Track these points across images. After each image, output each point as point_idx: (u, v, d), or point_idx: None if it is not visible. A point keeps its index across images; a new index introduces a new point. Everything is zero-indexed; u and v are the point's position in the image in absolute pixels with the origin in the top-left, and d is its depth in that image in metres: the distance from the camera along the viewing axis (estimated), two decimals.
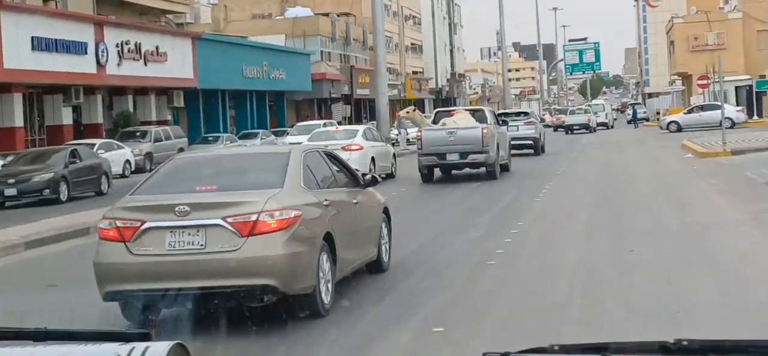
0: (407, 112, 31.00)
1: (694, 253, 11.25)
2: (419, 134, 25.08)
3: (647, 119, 74.94)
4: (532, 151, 34.53)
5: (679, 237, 12.52)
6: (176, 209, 8.00)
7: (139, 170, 35.81)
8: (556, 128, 65.93)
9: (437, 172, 25.04)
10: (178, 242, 7.99)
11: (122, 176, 34.12)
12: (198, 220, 7.95)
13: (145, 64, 39.91)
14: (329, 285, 8.61)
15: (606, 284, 9.71)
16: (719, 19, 77.05)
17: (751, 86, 61.88)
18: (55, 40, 33.72)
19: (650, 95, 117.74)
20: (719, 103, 49.61)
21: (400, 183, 25.00)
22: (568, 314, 8.36)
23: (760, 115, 60.36)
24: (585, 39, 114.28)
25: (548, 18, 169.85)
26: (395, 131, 41.91)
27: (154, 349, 2.08)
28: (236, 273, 7.88)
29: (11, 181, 23.55)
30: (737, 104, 56.37)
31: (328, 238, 8.68)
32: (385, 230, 10.71)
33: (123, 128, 39.00)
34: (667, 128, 51.23)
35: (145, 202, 8.37)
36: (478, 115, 26.38)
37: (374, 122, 38.98)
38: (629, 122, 72.21)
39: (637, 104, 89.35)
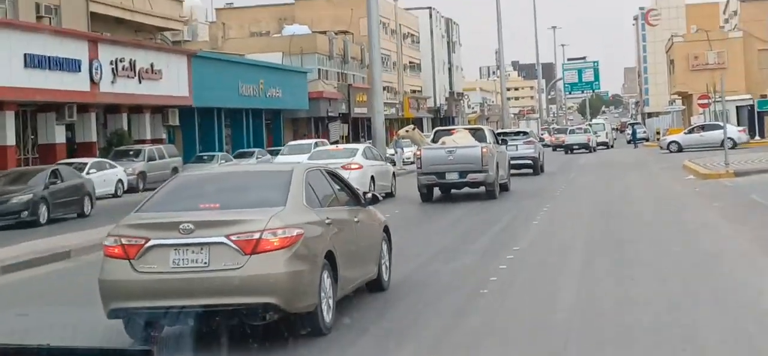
0: (406, 131, 30.82)
1: (702, 287, 10.60)
2: (419, 153, 24.96)
3: (647, 139, 74.56)
4: (531, 171, 34.54)
5: (685, 268, 11.89)
6: (180, 227, 8.04)
7: (132, 189, 35.31)
8: (555, 147, 65.47)
9: (437, 191, 24.92)
10: (182, 259, 8.04)
11: (114, 195, 33.63)
12: (202, 238, 8.00)
13: (140, 82, 39.42)
14: (331, 303, 8.67)
15: (605, 320, 9.09)
16: (720, 38, 76.77)
17: (752, 106, 61.38)
18: (49, 57, 33.23)
19: (650, 115, 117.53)
20: (720, 123, 49.26)
21: (399, 202, 24.91)
22: None
23: (762, 135, 59.87)
24: (584, 58, 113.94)
25: (547, 37, 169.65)
26: (391, 150, 41.41)
27: None
28: (239, 291, 7.93)
29: None
30: (738, 124, 55.85)
31: (330, 256, 8.73)
32: (385, 249, 10.80)
33: (116, 147, 38.50)
34: (668, 148, 50.75)
35: (150, 220, 8.41)
36: (477, 134, 26.32)
37: (371, 140, 38.60)
38: (629, 142, 71.77)
39: (637, 123, 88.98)
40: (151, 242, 8.09)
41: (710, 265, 12.10)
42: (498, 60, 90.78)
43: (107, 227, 18.47)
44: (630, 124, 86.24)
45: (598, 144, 64.64)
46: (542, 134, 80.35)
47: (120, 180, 34.39)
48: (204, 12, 70.90)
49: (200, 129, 48.48)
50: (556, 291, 10.71)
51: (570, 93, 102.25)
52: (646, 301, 9.79)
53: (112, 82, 37.36)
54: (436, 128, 31.12)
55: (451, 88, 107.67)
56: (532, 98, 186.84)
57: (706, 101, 58.23)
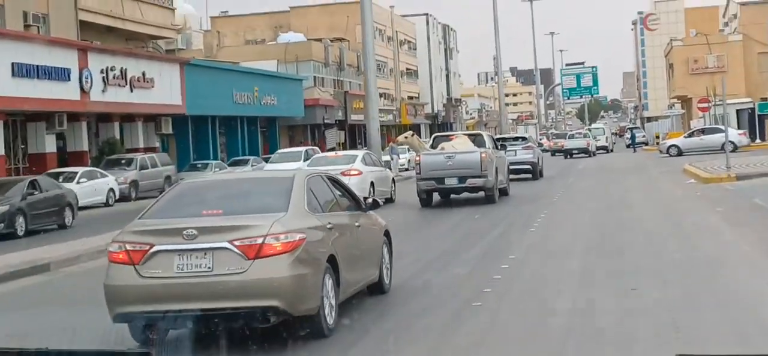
0: (405, 137, 31.05)
1: (705, 294, 10.07)
2: (418, 158, 24.98)
3: (646, 143, 74.20)
4: (530, 175, 34.64)
5: (687, 274, 11.33)
6: (184, 232, 8.19)
7: (124, 198, 34.79)
8: (553, 152, 65.05)
9: (436, 196, 24.96)
10: (186, 264, 8.17)
11: (106, 205, 33.11)
12: (205, 243, 8.15)
13: (132, 91, 38.88)
14: (333, 306, 8.80)
15: (604, 332, 8.54)
16: (719, 42, 76.32)
17: (752, 109, 60.87)
18: (37, 66, 32.72)
19: (649, 119, 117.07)
20: (721, 126, 48.75)
21: (399, 208, 24.91)
22: None
23: (762, 138, 59.40)
24: (582, 63, 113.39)
25: (545, 42, 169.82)
26: (386, 157, 40.89)
27: None
28: (243, 294, 8.06)
29: None
30: (739, 127, 55.31)
31: (332, 260, 8.86)
32: (386, 253, 10.93)
33: (108, 156, 37.96)
34: (667, 152, 50.22)
35: (154, 226, 8.54)
36: (477, 140, 26.46)
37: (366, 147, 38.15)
38: (628, 146, 71.36)
39: (636, 127, 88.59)
40: (155, 248, 8.23)
41: (713, 272, 11.53)
42: (496, 66, 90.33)
43: (89, 239, 18.22)
44: (629, 128, 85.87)
45: (598, 148, 64.72)
46: (540, 139, 79.92)
47: (111, 189, 33.83)
48: (198, 20, 70.34)
49: (194, 137, 47.98)
50: (554, 301, 10.19)
51: (569, 98, 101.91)
52: (647, 311, 9.24)
53: (103, 90, 36.83)
54: (435, 134, 31.17)
55: (448, 94, 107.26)
56: (530, 103, 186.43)
57: (706, 105, 57.73)
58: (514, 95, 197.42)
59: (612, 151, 68.65)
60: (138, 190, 36.49)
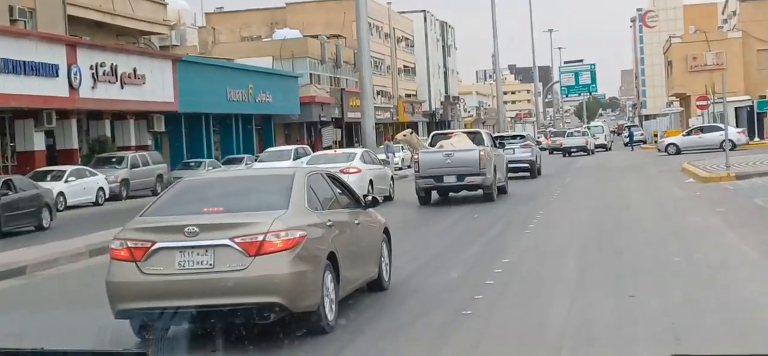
0: (404, 135, 30.96)
1: (707, 300, 9.51)
2: (416, 156, 24.99)
3: (644, 142, 73.78)
4: (528, 174, 34.53)
5: (687, 280, 10.76)
6: (185, 229, 8.24)
7: (114, 197, 34.25)
8: (551, 150, 64.69)
9: (435, 194, 24.99)
10: (188, 261, 8.23)
11: (95, 204, 32.57)
12: (207, 240, 8.20)
13: (122, 87, 38.29)
14: (333, 303, 8.85)
15: (600, 344, 7.99)
16: (718, 39, 75.79)
17: (751, 107, 60.31)
18: (24, 62, 32.13)
19: (647, 117, 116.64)
20: (719, 124, 48.23)
21: (397, 206, 24.85)
22: None
23: (761, 136, 58.87)
24: (581, 61, 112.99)
25: (544, 40, 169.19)
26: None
27: None
28: (244, 291, 8.12)
29: None
30: (737, 125, 54.77)
31: (332, 257, 8.92)
32: (385, 250, 11.01)
33: (98, 154, 37.39)
34: (666, 151, 49.77)
35: (155, 223, 8.59)
36: (475, 138, 26.46)
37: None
38: (625, 145, 70.94)
39: (634, 126, 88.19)
40: (157, 245, 8.28)
41: (714, 277, 10.98)
42: (494, 63, 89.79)
43: (68, 241, 17.60)
44: (627, 126, 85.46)
45: (597, 146, 64.82)
46: (539, 137, 79.46)
47: (101, 188, 33.27)
48: (192, 16, 69.72)
49: (187, 135, 47.40)
50: (549, 307, 9.67)
51: (567, 96, 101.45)
52: (647, 317, 8.71)
53: (93, 87, 36.24)
54: (434, 132, 31.10)
55: (446, 92, 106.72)
56: (528, 101, 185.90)
57: (704, 102, 57.25)
58: (513, 92, 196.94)
59: (610, 149, 68.38)
60: (129, 189, 35.95)
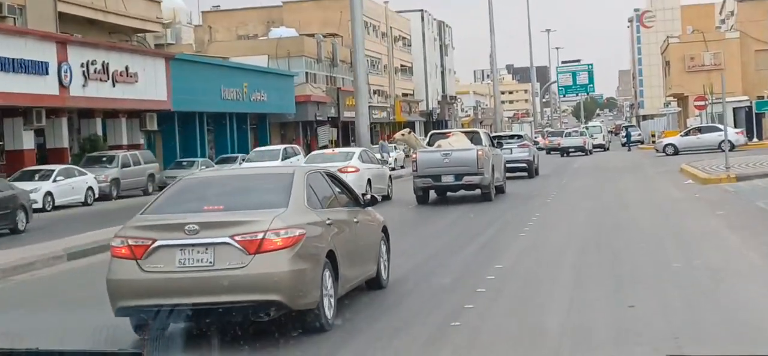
0: (402, 134, 30.87)
1: (710, 310, 9.04)
2: (414, 156, 24.99)
3: (641, 142, 73.39)
4: (525, 174, 34.43)
5: (689, 289, 10.26)
6: (186, 227, 8.28)
7: (104, 197, 33.74)
8: (548, 150, 64.38)
9: (433, 194, 24.99)
10: (188, 259, 8.26)
11: (84, 204, 32.06)
12: (207, 238, 8.24)
13: (114, 86, 37.78)
14: (332, 300, 8.92)
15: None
16: (716, 39, 75.31)
17: (750, 107, 59.86)
18: (13, 59, 31.62)
19: (644, 117, 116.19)
20: (718, 125, 47.78)
21: (395, 205, 24.80)
22: None
23: (760, 137, 58.43)
24: (578, 61, 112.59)
25: (541, 40, 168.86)
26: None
27: None
28: (244, 289, 8.16)
29: None
30: (735, 126, 54.31)
31: (331, 255, 8.97)
32: (384, 249, 11.08)
33: (89, 153, 36.86)
34: (664, 151, 49.36)
35: (156, 221, 8.61)
36: (473, 137, 26.47)
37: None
38: (623, 145, 70.60)
39: (631, 126, 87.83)
40: (157, 243, 8.31)
41: (717, 282, 10.51)
42: (491, 63, 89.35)
43: (44, 244, 16.90)
44: (624, 127, 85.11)
45: (596, 146, 64.81)
46: (536, 137, 79.08)
47: (90, 188, 32.74)
48: (188, 15, 69.18)
49: (181, 134, 46.88)
50: (543, 317, 9.24)
51: (564, 96, 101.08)
52: (647, 329, 8.24)
53: (83, 85, 35.74)
54: (432, 132, 31.11)
55: (443, 91, 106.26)
56: (526, 101, 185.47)
57: (702, 103, 56.80)
58: (510, 92, 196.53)
59: (608, 149, 68.10)
60: (119, 188, 35.44)
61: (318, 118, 62.86)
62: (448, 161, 23.94)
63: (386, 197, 26.75)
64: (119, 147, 39.20)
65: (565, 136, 64.89)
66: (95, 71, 36.38)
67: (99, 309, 9.13)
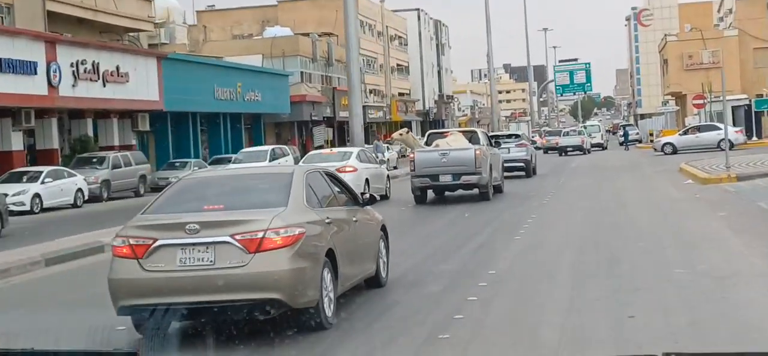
0: (400, 133, 30.79)
1: (716, 321, 8.54)
2: (412, 155, 24.99)
3: (639, 141, 72.98)
4: (523, 173, 34.35)
5: (693, 295, 9.76)
6: (187, 227, 8.36)
7: (94, 198, 33.21)
8: (546, 150, 64.01)
9: (431, 193, 25.01)
10: (189, 258, 8.34)
11: (74, 206, 31.54)
12: (207, 237, 8.31)
13: (104, 86, 37.26)
14: (331, 299, 8.99)
15: None
16: (714, 37, 74.87)
17: (749, 106, 59.40)
18: (0, 59, 31.06)
19: (642, 116, 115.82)
20: (717, 123, 47.31)
21: (393, 205, 24.77)
22: None
23: (759, 136, 57.98)
24: (576, 60, 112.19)
25: (539, 39, 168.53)
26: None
27: None
28: (244, 287, 8.25)
29: None
30: (734, 125, 53.83)
31: (330, 254, 9.03)
32: (383, 247, 11.18)
33: (79, 154, 36.33)
34: (662, 150, 48.91)
35: (156, 221, 8.68)
36: (471, 137, 26.47)
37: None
38: (621, 144, 70.21)
39: (629, 125, 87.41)
40: (158, 242, 8.37)
41: (722, 290, 9.98)
42: (488, 62, 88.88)
43: (21, 249, 16.06)
44: (622, 126, 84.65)
45: (594, 145, 64.78)
46: (533, 136, 78.66)
47: (79, 189, 32.21)
48: (182, 14, 68.65)
49: (174, 134, 46.34)
50: (538, 328, 8.76)
51: (562, 95, 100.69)
52: (649, 342, 7.73)
53: (73, 85, 35.22)
54: (430, 131, 31.00)
55: (440, 91, 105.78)
56: (523, 100, 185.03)
57: (701, 101, 56.35)
58: (508, 91, 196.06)
59: (606, 148, 67.91)
60: (110, 190, 34.92)
61: (313, 118, 62.35)
62: (445, 160, 23.91)
63: (384, 197, 26.68)
64: (111, 148, 38.69)
65: (563, 135, 64.67)
66: (85, 71, 35.86)
67: (93, 309, 9.06)
